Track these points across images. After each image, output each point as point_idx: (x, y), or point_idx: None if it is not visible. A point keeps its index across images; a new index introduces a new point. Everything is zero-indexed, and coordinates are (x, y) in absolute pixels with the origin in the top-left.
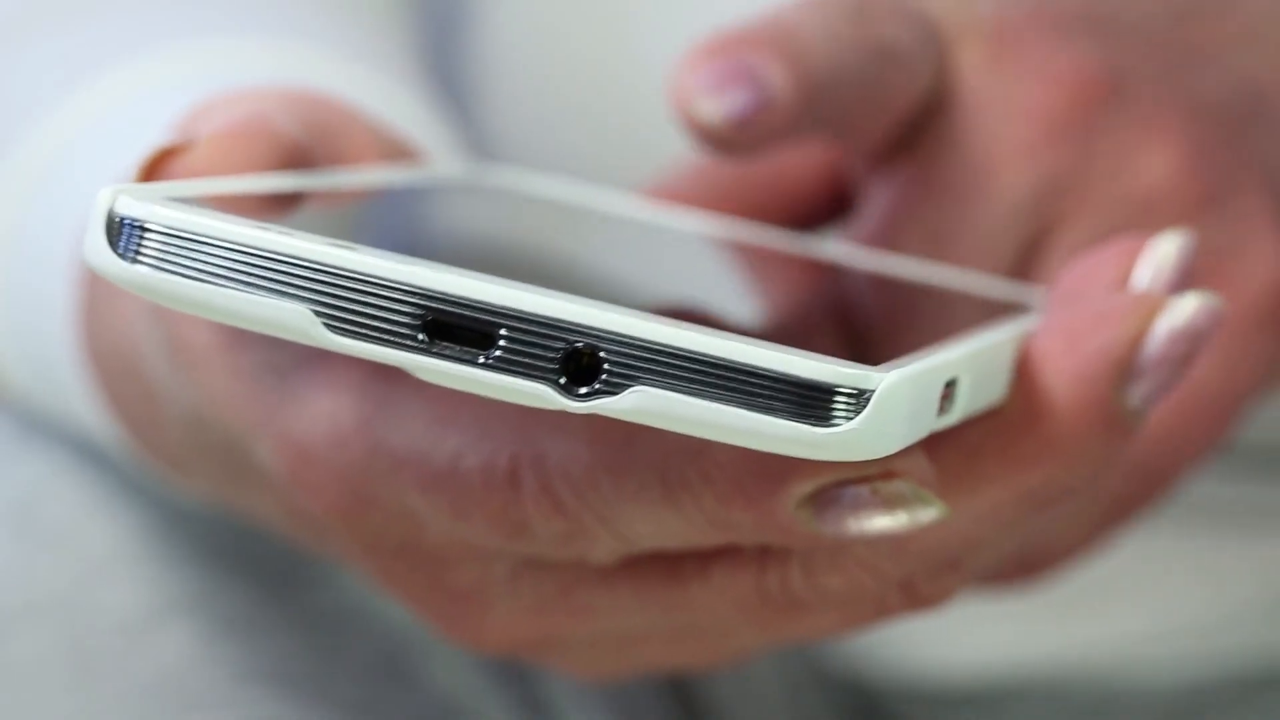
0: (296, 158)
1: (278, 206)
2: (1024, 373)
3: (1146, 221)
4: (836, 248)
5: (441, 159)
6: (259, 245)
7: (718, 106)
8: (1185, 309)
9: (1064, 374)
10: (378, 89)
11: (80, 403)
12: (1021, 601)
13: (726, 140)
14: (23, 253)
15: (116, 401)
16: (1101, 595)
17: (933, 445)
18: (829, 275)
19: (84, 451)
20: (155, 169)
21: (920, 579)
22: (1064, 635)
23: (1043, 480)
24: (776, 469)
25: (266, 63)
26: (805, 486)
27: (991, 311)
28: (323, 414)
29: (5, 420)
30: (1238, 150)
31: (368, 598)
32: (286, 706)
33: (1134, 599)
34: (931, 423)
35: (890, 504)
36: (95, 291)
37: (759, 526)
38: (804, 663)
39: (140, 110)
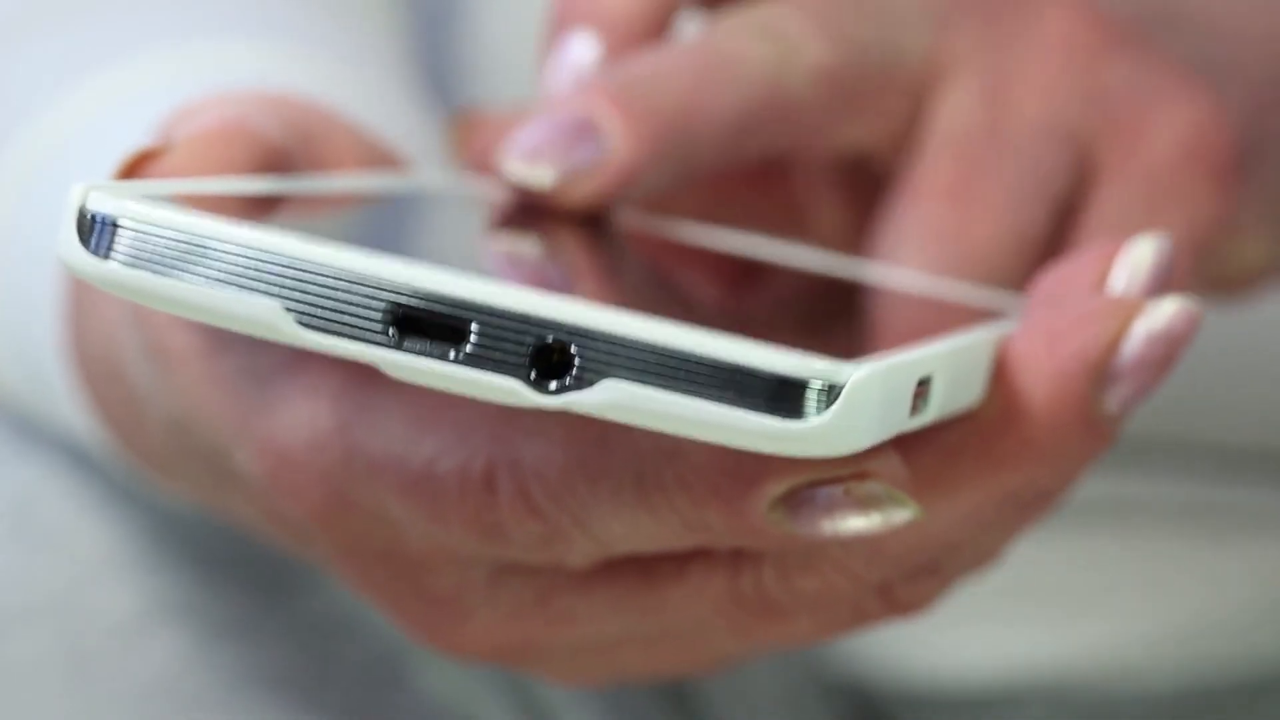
0: (275, 161)
1: (255, 209)
2: (1002, 375)
3: (1046, 64)
4: (816, 255)
5: (425, 165)
6: (230, 241)
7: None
8: (1163, 312)
9: (1042, 376)
10: (367, 92)
11: (68, 405)
12: (1021, 605)
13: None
14: (14, 253)
15: (101, 404)
16: (1101, 599)
17: (909, 446)
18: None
19: (79, 454)
20: (132, 171)
21: (898, 583)
22: (1064, 639)
23: (1021, 482)
24: (750, 469)
25: (259, 65)
26: (778, 486)
27: (968, 316)
28: (301, 418)
29: (0, 423)
30: (1144, 27)
31: (362, 603)
32: (281, 710)
33: (1134, 602)
34: (904, 421)
35: (863, 505)
36: (81, 293)
37: (733, 528)
38: (803, 667)
39: (134, 111)
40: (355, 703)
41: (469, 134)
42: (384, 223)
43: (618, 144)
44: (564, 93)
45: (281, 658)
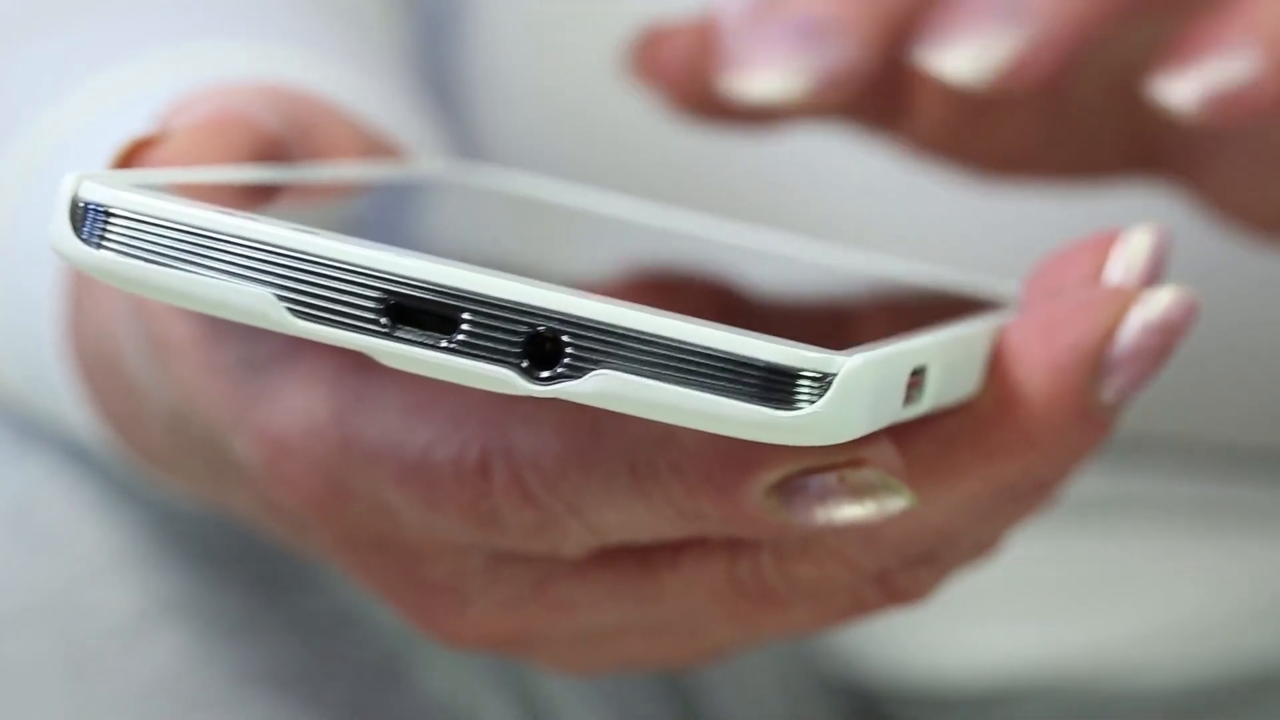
0: (273, 151)
1: (251, 198)
2: (998, 365)
3: None
4: (822, 249)
5: (423, 157)
6: (223, 230)
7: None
8: (1160, 302)
9: (1038, 366)
10: (364, 91)
11: (67, 401)
12: (1021, 603)
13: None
14: (14, 253)
15: (100, 398)
16: (1101, 596)
17: (905, 436)
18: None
19: (79, 453)
20: (129, 160)
21: (895, 572)
22: (1064, 636)
23: (1017, 472)
24: (744, 457)
25: (258, 66)
26: (772, 475)
27: (963, 307)
28: (298, 407)
29: (0, 422)
30: None
31: (363, 600)
32: (282, 709)
33: (1134, 600)
34: (898, 410)
35: (858, 493)
36: (80, 289)
37: (727, 517)
38: (802, 665)
39: (133, 111)
40: (357, 700)
41: (654, 49)
42: (381, 213)
43: None
44: None
45: (282, 655)
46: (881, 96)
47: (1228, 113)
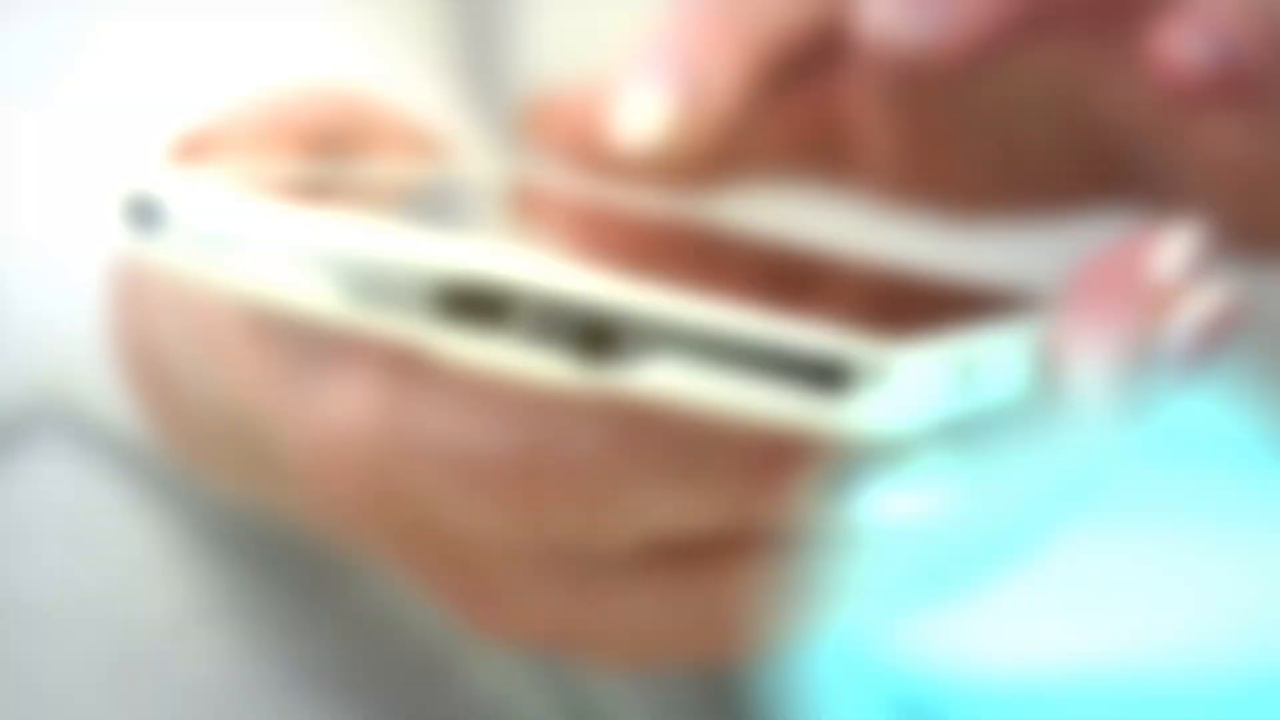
0: (324, 150)
1: (304, 195)
2: (1045, 364)
3: None
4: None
5: (472, 159)
6: (281, 220)
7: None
8: (1207, 299)
9: (1086, 365)
10: (406, 83)
11: (113, 395)
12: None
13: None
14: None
15: (145, 394)
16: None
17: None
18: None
19: (125, 453)
20: (184, 156)
21: None
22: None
23: None
24: (793, 451)
25: (301, 51)
26: (820, 468)
27: (1004, 307)
28: (347, 403)
29: (48, 423)
30: None
31: (408, 599)
32: (328, 708)
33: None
34: (949, 406)
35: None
36: (125, 284)
37: (775, 513)
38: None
39: (177, 101)
40: (402, 699)
41: (550, 120)
42: (429, 213)
43: None
44: None
45: (328, 655)
46: (822, 144)
47: (1223, 90)
